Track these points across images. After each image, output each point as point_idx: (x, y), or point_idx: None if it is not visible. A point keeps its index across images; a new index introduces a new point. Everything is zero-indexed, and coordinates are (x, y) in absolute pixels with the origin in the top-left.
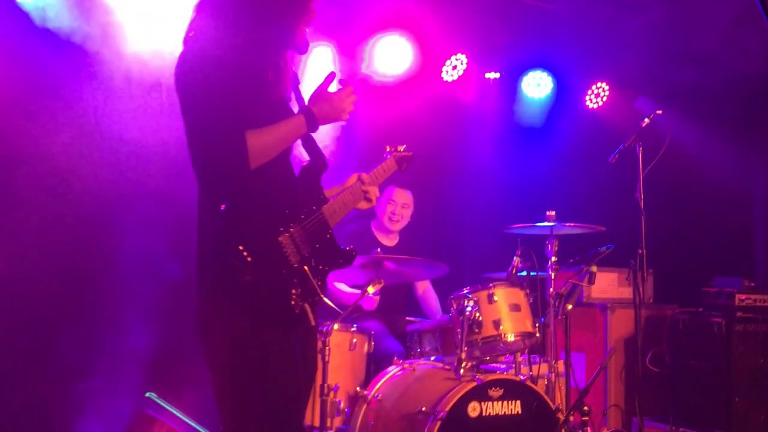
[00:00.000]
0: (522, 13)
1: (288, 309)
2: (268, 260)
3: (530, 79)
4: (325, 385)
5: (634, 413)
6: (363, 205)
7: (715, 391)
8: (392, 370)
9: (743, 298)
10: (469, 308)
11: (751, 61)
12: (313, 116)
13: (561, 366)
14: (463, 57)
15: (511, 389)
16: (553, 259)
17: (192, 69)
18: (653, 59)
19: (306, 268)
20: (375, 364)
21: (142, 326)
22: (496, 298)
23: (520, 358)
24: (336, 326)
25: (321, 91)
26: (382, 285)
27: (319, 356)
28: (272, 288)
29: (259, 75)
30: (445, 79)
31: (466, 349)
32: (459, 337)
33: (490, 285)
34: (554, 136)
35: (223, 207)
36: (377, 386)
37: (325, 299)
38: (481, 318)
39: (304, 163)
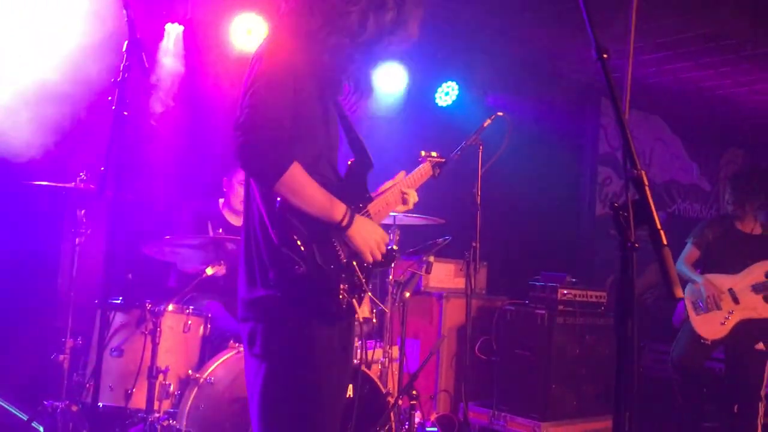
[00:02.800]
0: None
1: (337, 303)
2: (320, 254)
3: (386, 71)
4: (154, 366)
5: (461, 399)
6: (400, 207)
7: (535, 378)
8: (227, 353)
9: (565, 292)
10: None
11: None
12: (351, 222)
13: (396, 351)
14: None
15: None
16: (395, 247)
17: (280, 56)
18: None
19: (355, 263)
20: (211, 347)
21: None
22: None
23: (357, 343)
24: (171, 307)
25: (373, 225)
26: (222, 267)
27: (149, 337)
28: (323, 280)
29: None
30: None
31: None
32: None
33: None
34: (404, 129)
35: (278, 203)
36: (210, 369)
37: (371, 295)
38: None
39: (350, 162)
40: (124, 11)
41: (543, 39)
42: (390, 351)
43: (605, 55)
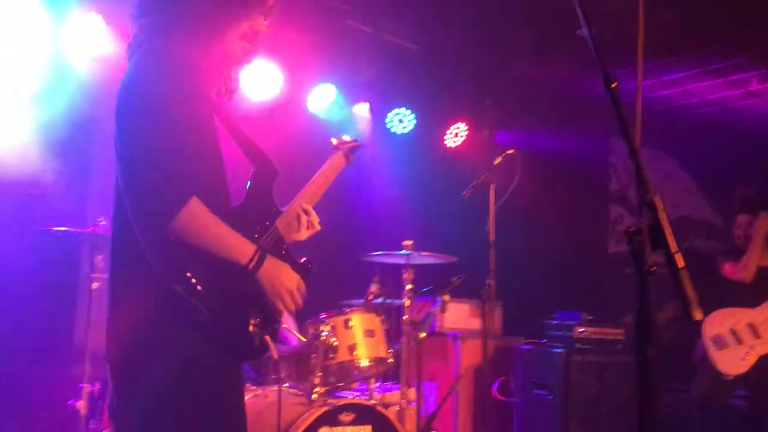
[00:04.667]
0: (388, 52)
1: (247, 340)
2: (221, 289)
3: (394, 115)
4: None
5: None
6: (301, 233)
7: (554, 418)
8: (245, 396)
9: (581, 330)
10: (324, 333)
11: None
12: (260, 264)
13: (412, 393)
14: (331, 86)
15: (363, 414)
16: (409, 287)
17: (142, 94)
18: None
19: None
20: None
21: None
22: (351, 323)
23: (372, 384)
24: None
25: (285, 269)
26: None
27: None
28: (229, 320)
29: (207, 100)
30: (310, 109)
31: (320, 374)
32: (314, 362)
33: (347, 310)
34: (415, 170)
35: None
36: None
37: (285, 325)
38: (336, 343)
39: (252, 173)
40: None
41: (554, 75)
42: (407, 392)
43: (614, 85)
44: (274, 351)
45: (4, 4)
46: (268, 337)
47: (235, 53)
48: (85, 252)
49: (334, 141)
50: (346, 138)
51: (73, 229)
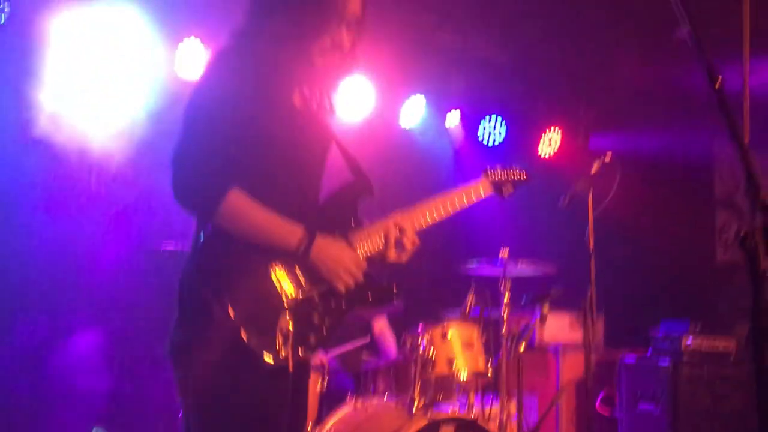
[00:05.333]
0: (477, 61)
1: (270, 350)
2: (252, 295)
3: (486, 124)
4: None
5: None
6: (390, 253)
7: None
8: (344, 408)
9: (690, 341)
10: (422, 346)
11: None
12: (309, 246)
13: (513, 407)
14: (422, 98)
15: (464, 428)
16: (506, 299)
17: (203, 95)
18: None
19: (309, 296)
20: (328, 402)
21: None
22: (449, 335)
23: (473, 398)
24: None
25: (341, 246)
26: None
27: None
28: (255, 326)
29: (282, 102)
30: (402, 125)
31: (419, 387)
32: (413, 374)
33: (444, 322)
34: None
35: (209, 230)
36: (329, 425)
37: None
38: (434, 356)
39: (344, 183)
40: None
41: (653, 74)
42: (507, 406)
43: (718, 81)
44: (291, 365)
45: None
46: (300, 350)
47: (320, 68)
48: None
49: (488, 168)
50: (510, 168)
51: (179, 248)
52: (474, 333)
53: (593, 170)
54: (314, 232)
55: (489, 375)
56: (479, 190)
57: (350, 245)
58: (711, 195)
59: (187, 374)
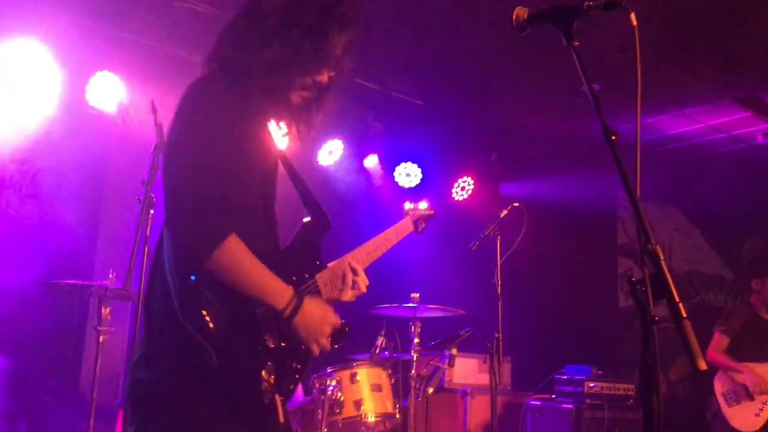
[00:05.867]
0: (395, 108)
1: (255, 396)
2: (237, 335)
3: (402, 169)
4: None
5: None
6: (340, 293)
7: None
8: None
9: (592, 385)
10: (331, 388)
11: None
12: (296, 311)
13: None
14: (339, 142)
15: None
16: (416, 340)
17: (190, 125)
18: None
19: (285, 344)
20: None
21: None
22: (358, 377)
23: None
24: None
25: (323, 311)
26: None
27: None
28: (238, 369)
29: (259, 140)
30: (320, 162)
31: (325, 430)
32: (319, 417)
33: (354, 364)
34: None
35: (194, 276)
36: None
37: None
38: (342, 398)
39: (305, 220)
40: (153, 115)
41: (560, 129)
42: None
43: (614, 137)
44: (281, 415)
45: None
46: (278, 398)
47: (295, 101)
48: (92, 305)
49: (407, 206)
50: (422, 206)
51: (81, 282)
52: (383, 375)
53: (502, 215)
54: (302, 296)
55: (397, 417)
56: (406, 226)
57: (326, 303)
58: (614, 243)
59: (157, 413)
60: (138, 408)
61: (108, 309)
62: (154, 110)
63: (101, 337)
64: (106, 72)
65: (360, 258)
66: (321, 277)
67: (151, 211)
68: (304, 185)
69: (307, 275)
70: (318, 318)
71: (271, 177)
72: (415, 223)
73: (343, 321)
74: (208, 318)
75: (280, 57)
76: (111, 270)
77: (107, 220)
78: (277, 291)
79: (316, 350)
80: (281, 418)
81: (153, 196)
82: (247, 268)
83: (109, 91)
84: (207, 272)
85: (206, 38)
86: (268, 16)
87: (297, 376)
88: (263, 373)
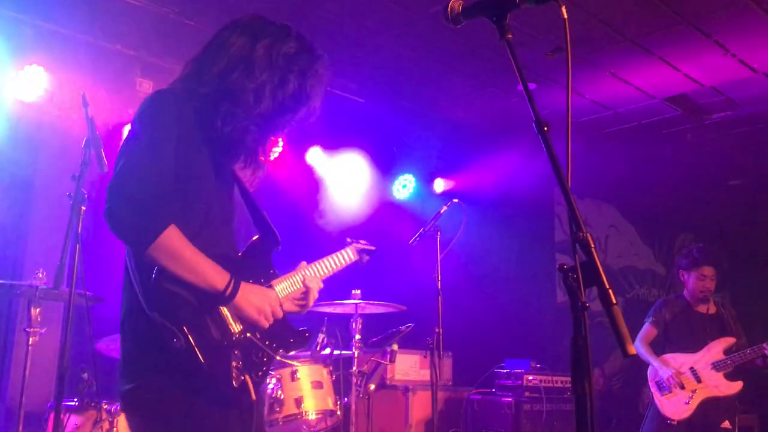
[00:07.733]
0: (338, 105)
1: (226, 381)
2: (205, 326)
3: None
4: None
5: None
6: (311, 301)
7: None
8: None
9: (530, 378)
10: (270, 386)
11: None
12: (236, 291)
13: None
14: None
15: None
16: (357, 337)
17: (150, 108)
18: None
19: (250, 335)
20: None
21: None
22: (299, 375)
23: None
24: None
25: (261, 289)
26: None
27: None
28: (209, 355)
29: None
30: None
31: (266, 429)
32: None
33: (294, 362)
34: (364, 219)
35: (155, 272)
36: None
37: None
38: (282, 396)
39: (254, 238)
40: (84, 108)
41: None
42: None
43: (546, 128)
44: (253, 394)
45: None
46: (248, 378)
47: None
48: (20, 305)
49: (349, 240)
50: (363, 242)
51: (10, 282)
52: (324, 372)
53: (441, 210)
54: (239, 278)
55: (338, 413)
56: (350, 255)
57: (271, 288)
58: (552, 239)
59: (143, 411)
60: (131, 417)
61: (38, 310)
62: (85, 104)
63: (31, 339)
64: (34, 66)
65: (311, 278)
66: (276, 283)
67: (83, 208)
68: (255, 206)
69: (263, 280)
70: (258, 293)
71: (225, 190)
72: (360, 253)
73: (301, 328)
74: (171, 304)
75: (263, 110)
76: (41, 269)
77: (37, 217)
78: (217, 274)
79: (263, 323)
80: (253, 396)
81: (84, 192)
82: (187, 255)
83: (37, 84)
84: (150, 261)
85: (132, 29)
86: (255, 63)
87: (264, 368)
88: (232, 356)
